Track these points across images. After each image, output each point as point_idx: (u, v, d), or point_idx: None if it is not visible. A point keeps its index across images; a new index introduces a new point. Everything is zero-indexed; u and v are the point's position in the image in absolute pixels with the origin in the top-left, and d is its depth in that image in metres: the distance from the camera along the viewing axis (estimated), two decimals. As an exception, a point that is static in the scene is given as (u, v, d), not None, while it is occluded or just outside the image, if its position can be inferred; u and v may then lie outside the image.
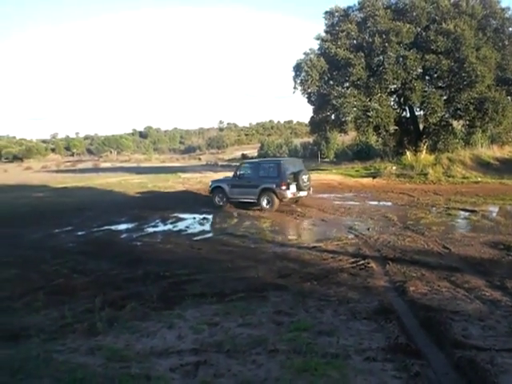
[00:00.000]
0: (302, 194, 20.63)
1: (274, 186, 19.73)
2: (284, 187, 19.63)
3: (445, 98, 33.50)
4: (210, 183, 22.49)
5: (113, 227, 17.39)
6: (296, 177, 20.05)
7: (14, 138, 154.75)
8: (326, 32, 36.64)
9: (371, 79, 33.02)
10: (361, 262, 10.50)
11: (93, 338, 6.16)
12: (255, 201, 20.31)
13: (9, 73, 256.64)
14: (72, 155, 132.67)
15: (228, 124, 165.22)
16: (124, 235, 15.87)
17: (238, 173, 21.33)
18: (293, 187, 19.95)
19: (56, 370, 5.11)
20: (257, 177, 20.49)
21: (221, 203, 21.39)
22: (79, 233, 16.37)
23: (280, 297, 8.15)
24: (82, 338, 6.18)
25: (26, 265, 11.55)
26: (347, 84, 34.91)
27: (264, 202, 20.05)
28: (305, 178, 20.49)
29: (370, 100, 33.47)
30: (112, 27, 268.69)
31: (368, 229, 14.65)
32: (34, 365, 5.22)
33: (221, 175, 27.89)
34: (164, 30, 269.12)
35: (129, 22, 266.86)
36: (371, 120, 33.30)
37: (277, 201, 19.90)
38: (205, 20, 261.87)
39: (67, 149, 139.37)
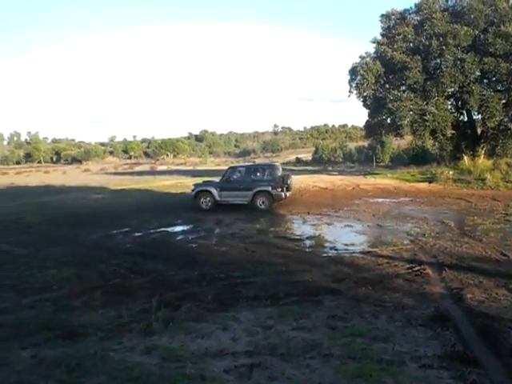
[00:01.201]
0: (288, 194, 22.40)
1: (270, 188, 21.58)
2: (279, 189, 21.59)
3: (504, 101, 32.71)
4: (193, 187, 23.08)
5: (169, 229, 17.58)
6: (285, 179, 22.12)
7: (73, 140, 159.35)
8: (382, 35, 36.28)
9: (428, 82, 32.49)
10: (416, 268, 10.31)
11: (149, 338, 6.24)
12: (248, 203, 21.74)
13: (70, 77, 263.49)
14: (129, 158, 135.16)
15: (283, 128, 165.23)
16: (180, 237, 16.04)
17: (227, 177, 22.43)
18: (284, 189, 21.90)
19: (112, 368, 5.19)
20: (249, 180, 22.04)
21: (207, 207, 22.15)
22: (136, 234, 16.63)
23: (334, 301, 8.08)
24: (139, 338, 6.26)
25: (85, 264, 11.81)
26: (403, 87, 34.43)
27: (259, 203, 21.62)
28: (290, 180, 22.79)
29: (426, 104, 32.88)
30: (174, 35, 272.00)
31: (424, 234, 14.34)
32: (91, 363, 5.32)
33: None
34: (222, 36, 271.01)
35: (189, 31, 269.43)
36: (428, 124, 32.75)
37: (272, 202, 21.65)
38: (261, 25, 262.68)
39: (125, 151, 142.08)
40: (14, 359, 5.53)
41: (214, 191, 22.14)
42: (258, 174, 22.35)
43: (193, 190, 22.78)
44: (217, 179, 23.76)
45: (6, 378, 5.02)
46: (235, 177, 22.41)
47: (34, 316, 7.57)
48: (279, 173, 22.39)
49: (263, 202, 21.64)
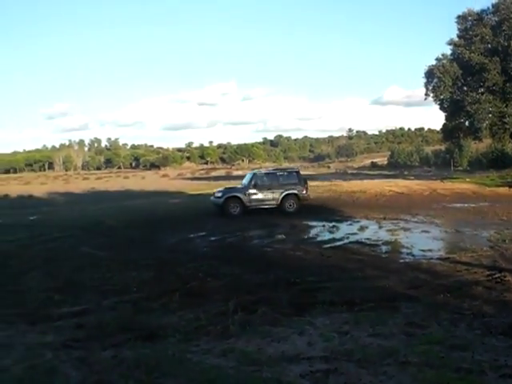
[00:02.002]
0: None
1: (297, 190, 22.90)
2: (305, 191, 23.14)
3: None
4: (219, 194, 23.27)
5: (244, 233, 17.69)
6: (306, 182, 23.70)
7: (152, 146, 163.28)
8: (459, 37, 35.32)
9: (507, 84, 31.45)
10: (496, 275, 9.94)
11: (225, 341, 6.27)
12: (277, 206, 22.73)
13: (148, 85, 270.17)
14: (206, 163, 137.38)
15: (357, 132, 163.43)
16: (255, 241, 16.14)
17: (253, 182, 22.90)
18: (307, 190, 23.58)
19: (190, 370, 5.23)
20: (276, 184, 22.94)
21: (236, 212, 22.39)
22: (212, 238, 16.84)
23: (411, 308, 7.91)
24: (216, 340, 6.30)
25: (163, 267, 12.06)
26: (482, 89, 33.53)
27: (287, 206, 22.75)
28: (307, 184, 24.03)
29: (506, 106, 31.85)
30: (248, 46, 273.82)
31: (504, 240, 13.80)
32: (169, 364, 5.39)
33: (353, 184, 27.70)
34: (295, 40, 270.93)
35: (265, 36, 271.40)
36: (508, 127, 31.76)
37: (299, 203, 22.92)
38: (334, 29, 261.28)
39: (201, 157, 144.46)
40: (95, 359, 5.67)
41: (243, 197, 22.54)
42: (282, 178, 23.34)
43: (220, 197, 22.99)
44: (239, 185, 24.73)
45: (87, 377, 5.14)
46: (261, 182, 22.95)
47: (115, 317, 7.76)
48: (301, 176, 23.86)
49: (291, 205, 22.76)
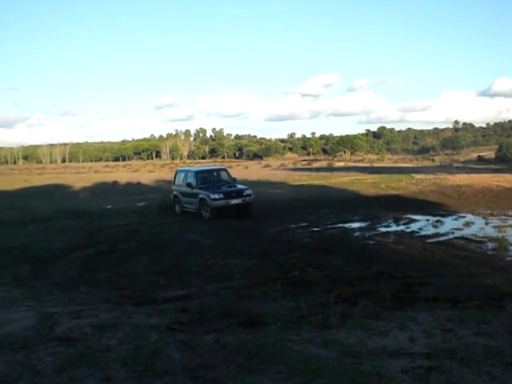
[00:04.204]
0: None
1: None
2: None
3: None
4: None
5: (346, 225, 17.60)
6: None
7: (255, 137, 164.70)
8: None
9: None
10: None
11: (326, 331, 6.23)
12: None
13: (252, 77, 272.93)
14: (308, 154, 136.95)
15: (464, 124, 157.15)
16: (357, 233, 16.00)
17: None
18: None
19: (290, 358, 5.24)
20: None
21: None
22: (314, 229, 16.84)
23: (519, 308, 7.53)
24: (316, 330, 6.27)
25: (265, 256, 12.19)
26: None
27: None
28: None
29: None
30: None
31: None
32: (270, 351, 5.41)
33: (459, 177, 26.76)
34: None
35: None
36: None
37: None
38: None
39: (303, 148, 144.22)
40: (198, 343, 5.78)
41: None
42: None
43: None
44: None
45: (190, 360, 5.25)
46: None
47: (218, 303, 7.90)
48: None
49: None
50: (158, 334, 6.15)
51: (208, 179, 21.49)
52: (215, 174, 22.87)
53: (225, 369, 4.97)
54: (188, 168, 26.41)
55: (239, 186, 21.30)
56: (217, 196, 19.54)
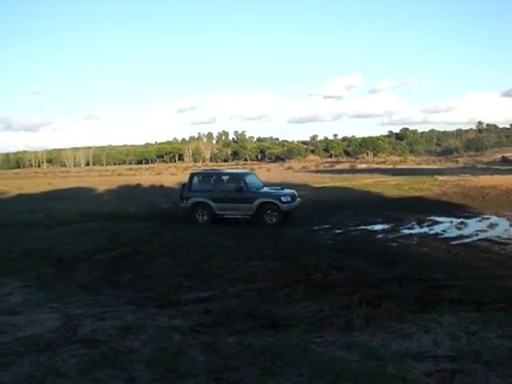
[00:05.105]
0: None
1: None
2: None
3: None
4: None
5: (369, 227, 17.55)
6: None
7: (277, 139, 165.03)
8: None
9: None
10: None
11: (349, 334, 6.20)
12: None
13: (273, 78, 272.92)
14: (330, 156, 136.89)
15: (487, 125, 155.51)
16: (380, 235, 15.92)
17: None
18: None
19: (313, 360, 5.22)
20: None
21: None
22: (337, 231, 16.80)
23: (544, 311, 7.43)
24: (339, 333, 6.25)
25: (288, 258, 12.20)
26: None
27: None
28: None
29: None
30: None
31: None
32: (293, 354, 5.40)
33: (483, 179, 26.48)
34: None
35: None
36: None
37: None
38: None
39: (326, 150, 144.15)
40: (221, 345, 5.79)
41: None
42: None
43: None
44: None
45: (213, 362, 5.26)
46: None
47: (240, 304, 7.91)
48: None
49: None
50: (181, 335, 6.18)
51: (254, 182, 20.13)
52: (255, 177, 21.40)
53: (248, 371, 4.97)
54: (215, 171, 23.94)
55: (288, 189, 20.60)
56: (288, 199, 18.64)
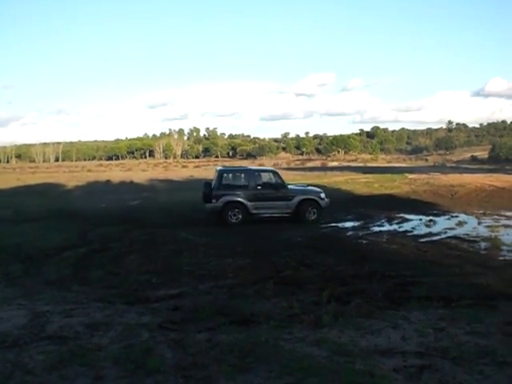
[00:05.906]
0: None
1: None
2: None
3: None
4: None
5: (339, 224, 17.65)
6: None
7: (249, 136, 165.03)
8: None
9: None
10: None
11: (318, 330, 6.23)
12: None
13: (246, 75, 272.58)
14: (301, 154, 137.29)
15: (457, 125, 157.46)
16: (350, 233, 16.04)
17: None
18: None
19: (283, 357, 5.23)
20: None
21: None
22: (307, 228, 16.80)
23: (511, 307, 7.56)
24: (308, 329, 6.27)
25: (258, 255, 12.20)
26: None
27: None
28: None
29: None
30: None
31: None
32: (263, 350, 5.40)
33: (452, 177, 26.80)
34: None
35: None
36: None
37: None
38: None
39: (297, 148, 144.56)
40: (190, 341, 5.77)
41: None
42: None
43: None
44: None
45: (182, 359, 5.24)
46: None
47: (210, 301, 7.90)
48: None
49: None
50: (149, 332, 6.14)
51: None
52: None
53: (217, 368, 4.97)
54: (246, 167, 22.20)
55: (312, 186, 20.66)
56: (324, 195, 18.47)
